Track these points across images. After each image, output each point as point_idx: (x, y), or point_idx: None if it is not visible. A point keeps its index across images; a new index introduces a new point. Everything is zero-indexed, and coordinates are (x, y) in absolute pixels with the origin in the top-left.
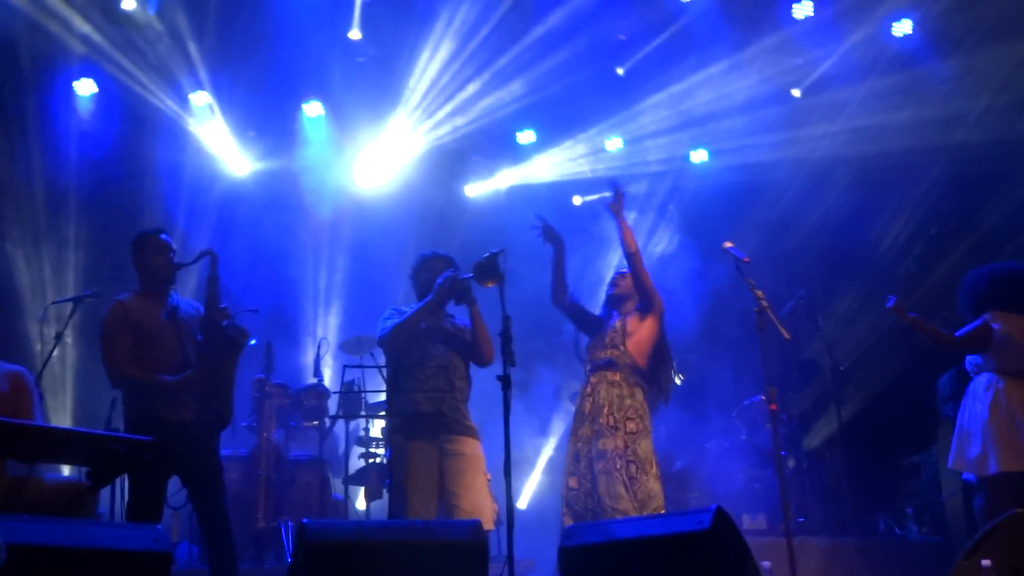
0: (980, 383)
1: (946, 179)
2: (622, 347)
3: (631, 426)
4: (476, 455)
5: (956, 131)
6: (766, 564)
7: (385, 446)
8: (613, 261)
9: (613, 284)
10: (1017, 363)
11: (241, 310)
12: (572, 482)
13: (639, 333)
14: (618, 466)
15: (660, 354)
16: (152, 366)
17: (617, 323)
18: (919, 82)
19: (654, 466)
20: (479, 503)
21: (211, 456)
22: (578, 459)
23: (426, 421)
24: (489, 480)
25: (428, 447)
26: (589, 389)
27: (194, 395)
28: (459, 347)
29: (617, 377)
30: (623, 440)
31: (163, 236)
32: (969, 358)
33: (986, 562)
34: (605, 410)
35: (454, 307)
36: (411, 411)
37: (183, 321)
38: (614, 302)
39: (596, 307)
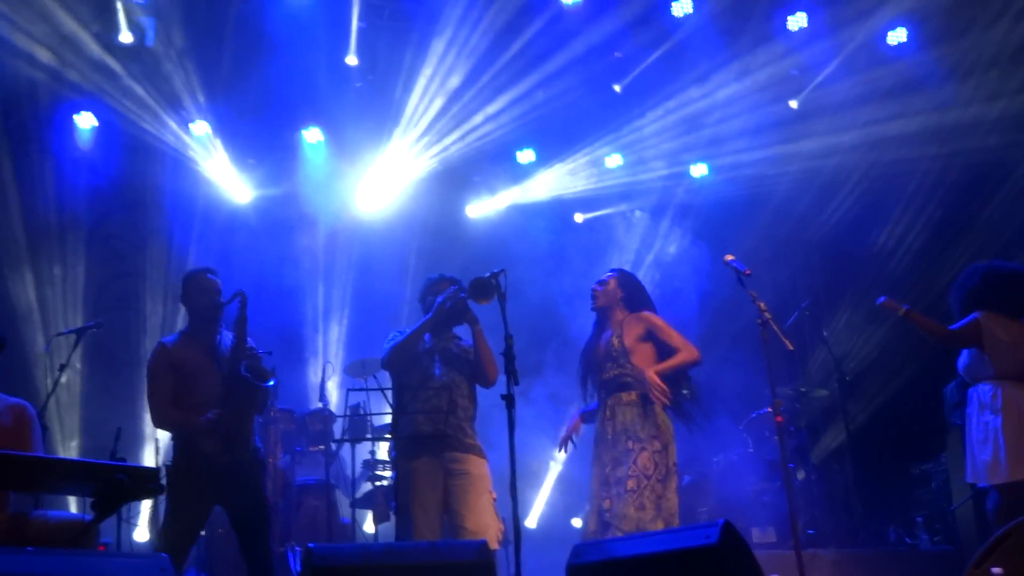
0: (985, 391)
1: (946, 184)
2: (628, 364)
3: (656, 444)
4: (481, 474)
5: (954, 136)
6: None
7: (392, 468)
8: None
9: (592, 298)
10: (1013, 365)
11: (258, 351)
12: (606, 504)
13: (640, 349)
14: (644, 488)
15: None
16: (192, 404)
17: (614, 339)
18: (915, 89)
19: (675, 479)
20: (484, 523)
21: (254, 488)
22: (607, 483)
23: (429, 442)
24: (495, 499)
25: (432, 468)
26: (609, 413)
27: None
28: (463, 368)
29: (633, 396)
30: (651, 460)
31: (210, 276)
32: (962, 364)
33: (997, 570)
34: (627, 434)
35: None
36: (414, 432)
37: (226, 359)
38: (601, 315)
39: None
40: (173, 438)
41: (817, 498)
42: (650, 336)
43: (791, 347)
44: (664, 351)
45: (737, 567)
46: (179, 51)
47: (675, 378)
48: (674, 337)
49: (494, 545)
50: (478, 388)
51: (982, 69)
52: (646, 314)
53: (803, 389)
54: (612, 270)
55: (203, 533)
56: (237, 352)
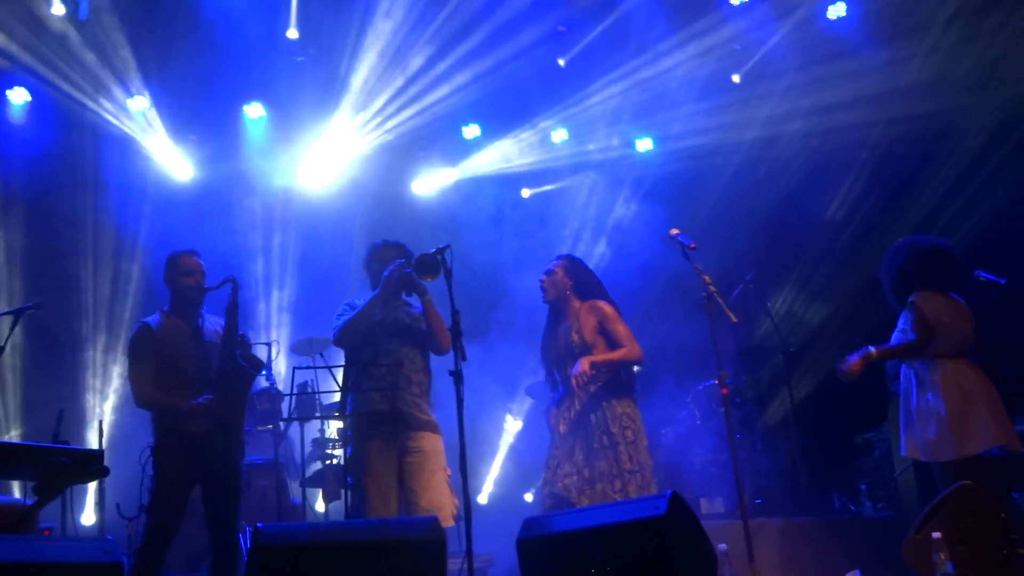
0: (924, 368)
1: (884, 155)
2: (590, 352)
3: (628, 435)
4: (435, 450)
5: (892, 108)
6: (722, 547)
7: (344, 446)
8: (563, 248)
9: (542, 290)
10: (951, 344)
11: (257, 342)
12: (584, 500)
13: (599, 342)
14: (629, 485)
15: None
16: (175, 385)
17: (574, 335)
18: (855, 62)
19: (651, 464)
20: (438, 500)
21: (234, 469)
22: (583, 476)
23: (383, 419)
24: (449, 475)
25: (386, 445)
26: (579, 405)
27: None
28: (415, 339)
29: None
30: (626, 453)
31: (196, 258)
32: (896, 341)
33: (936, 534)
34: (600, 429)
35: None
36: (368, 410)
37: (208, 341)
38: (554, 307)
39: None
40: (155, 418)
41: (764, 468)
42: (602, 328)
43: (735, 319)
44: (612, 343)
45: (685, 537)
46: (114, 24)
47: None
48: (621, 331)
49: (449, 522)
50: (433, 358)
51: (918, 39)
52: (599, 304)
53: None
54: (558, 257)
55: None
56: (230, 339)
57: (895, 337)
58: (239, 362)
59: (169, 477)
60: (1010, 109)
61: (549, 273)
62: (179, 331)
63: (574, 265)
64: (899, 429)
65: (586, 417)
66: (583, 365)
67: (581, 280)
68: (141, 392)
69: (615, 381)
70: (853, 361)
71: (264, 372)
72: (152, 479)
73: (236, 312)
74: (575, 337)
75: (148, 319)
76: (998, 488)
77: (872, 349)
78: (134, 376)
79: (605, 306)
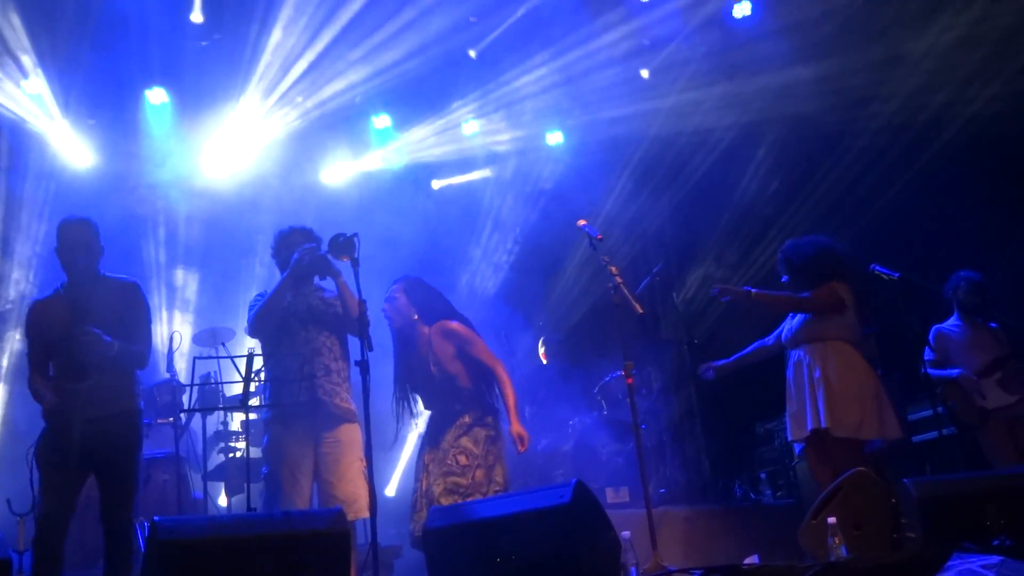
0: (841, 350)
1: (785, 152)
2: (457, 387)
3: (490, 459)
4: (352, 440)
5: (793, 99)
6: (626, 534)
7: (249, 436)
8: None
9: (386, 318)
10: (856, 333)
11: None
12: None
13: (457, 368)
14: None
15: (479, 372)
16: (64, 368)
17: (432, 367)
18: (758, 60)
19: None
20: (353, 490)
21: (119, 454)
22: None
23: (300, 409)
24: (366, 466)
25: (303, 435)
26: (437, 430)
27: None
28: (331, 325)
29: (467, 419)
30: (483, 474)
31: (85, 228)
32: (794, 327)
33: (831, 519)
34: (456, 449)
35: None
36: (285, 400)
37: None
38: (400, 334)
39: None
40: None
41: (669, 458)
42: (460, 352)
43: (640, 311)
44: (472, 364)
45: (589, 524)
46: (4, 3)
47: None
48: (483, 353)
49: (364, 513)
50: (350, 344)
51: (819, 43)
52: (451, 326)
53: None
54: (396, 281)
55: None
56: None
57: (792, 326)
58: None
59: (49, 465)
60: (901, 110)
61: (390, 300)
62: (66, 310)
63: (414, 287)
64: (802, 408)
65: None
66: (519, 435)
67: (424, 302)
68: (29, 374)
69: (474, 402)
70: (733, 288)
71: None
72: (38, 474)
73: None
74: (434, 369)
75: (39, 296)
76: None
77: (753, 290)
78: (28, 360)
79: (458, 327)
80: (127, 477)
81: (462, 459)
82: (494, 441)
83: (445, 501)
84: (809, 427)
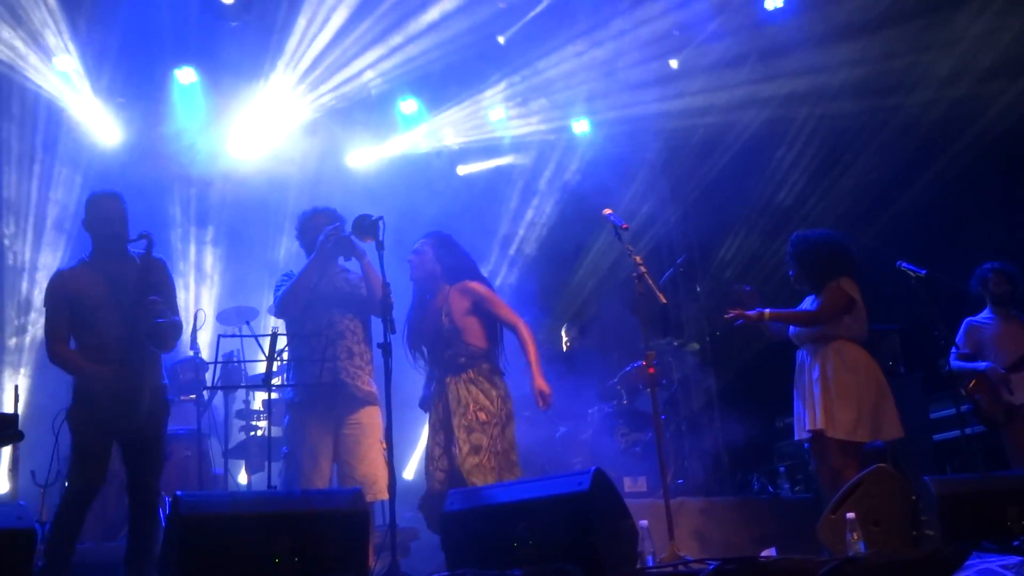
0: (844, 351)
1: (812, 138)
2: (461, 344)
3: (500, 418)
4: (372, 423)
5: (822, 93)
6: (644, 523)
7: (271, 415)
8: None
9: (411, 266)
10: (862, 329)
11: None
12: (440, 477)
13: (469, 325)
14: (488, 463)
15: (492, 333)
16: (90, 343)
17: (444, 318)
18: (788, 52)
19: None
20: (373, 472)
21: (149, 428)
22: (440, 460)
23: (323, 391)
24: (385, 448)
25: (324, 417)
26: (440, 389)
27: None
28: (356, 307)
29: (471, 375)
30: (488, 434)
31: (113, 202)
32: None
33: (850, 515)
34: (463, 409)
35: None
36: (308, 382)
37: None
38: (420, 286)
39: None
40: (74, 381)
41: (687, 449)
42: (477, 309)
43: (664, 301)
44: (491, 323)
45: (607, 512)
46: None
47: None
48: (502, 309)
49: (384, 495)
50: (374, 327)
51: (850, 38)
52: (471, 284)
53: (676, 343)
54: (426, 235)
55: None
56: (142, 301)
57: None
58: (142, 338)
59: (83, 441)
60: (929, 105)
61: (417, 252)
62: (97, 281)
63: (443, 243)
64: (801, 409)
65: (450, 404)
66: (542, 389)
67: (451, 259)
68: (50, 347)
69: (485, 360)
70: (747, 313)
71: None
72: (70, 444)
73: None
74: (445, 321)
75: (63, 267)
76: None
77: (767, 311)
78: (46, 328)
79: (478, 287)
80: (156, 449)
81: (482, 416)
82: (505, 401)
83: (471, 460)
84: (807, 427)
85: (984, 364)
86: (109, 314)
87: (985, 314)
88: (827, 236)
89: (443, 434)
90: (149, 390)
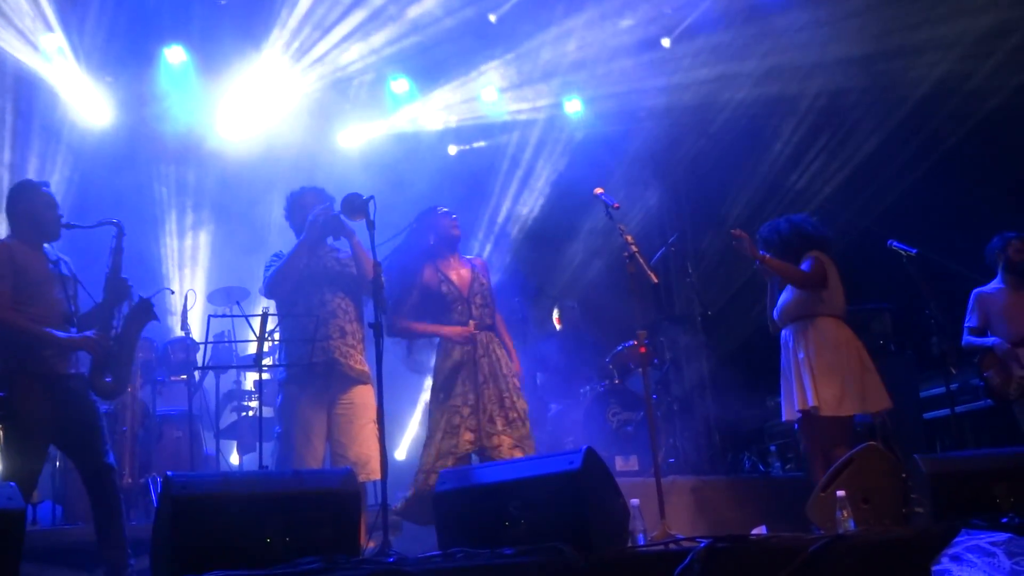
0: (827, 327)
1: (805, 118)
2: (493, 309)
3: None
4: (366, 403)
5: (818, 73)
6: (635, 502)
7: (262, 395)
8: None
9: (457, 227)
10: (841, 306)
11: (159, 289)
12: (496, 441)
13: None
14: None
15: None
16: (36, 316)
17: (483, 280)
18: (780, 30)
19: None
20: (366, 452)
21: (90, 409)
22: (493, 420)
23: (316, 371)
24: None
25: (317, 397)
26: (483, 350)
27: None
28: (346, 286)
29: (496, 339)
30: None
31: (49, 190)
32: (785, 302)
33: (841, 493)
34: (503, 372)
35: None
36: (300, 361)
37: (68, 277)
38: (453, 245)
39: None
40: (16, 355)
41: (679, 429)
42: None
43: (656, 280)
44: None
45: (599, 491)
46: None
47: None
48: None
49: (377, 475)
50: (366, 306)
51: (847, 16)
52: (478, 262)
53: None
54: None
55: (58, 464)
56: (116, 281)
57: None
58: (140, 303)
59: (22, 423)
60: (929, 89)
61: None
62: (38, 260)
63: None
64: (789, 390)
65: (491, 364)
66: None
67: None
68: (9, 319)
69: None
70: (749, 244)
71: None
72: (5, 427)
73: (121, 255)
74: (484, 283)
75: (4, 238)
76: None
77: (767, 254)
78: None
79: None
80: (95, 421)
81: (515, 381)
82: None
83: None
84: (796, 408)
85: (992, 340)
86: (47, 296)
87: (995, 283)
88: (790, 218)
89: (475, 396)
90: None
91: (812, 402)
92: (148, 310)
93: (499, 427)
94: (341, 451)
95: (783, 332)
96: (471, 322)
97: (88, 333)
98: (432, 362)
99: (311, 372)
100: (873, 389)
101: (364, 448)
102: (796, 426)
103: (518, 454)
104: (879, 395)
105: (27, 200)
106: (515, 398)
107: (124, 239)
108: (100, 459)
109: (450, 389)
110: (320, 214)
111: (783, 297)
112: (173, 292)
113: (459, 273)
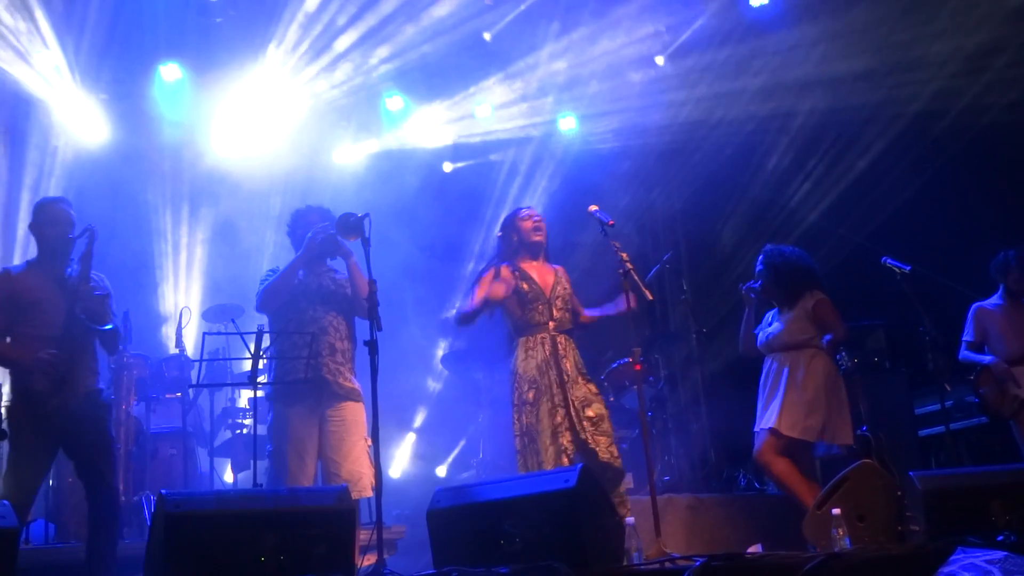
0: (816, 360)
1: (797, 138)
2: (570, 310)
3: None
4: (356, 420)
5: (810, 92)
6: (630, 520)
7: (256, 413)
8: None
9: (540, 230)
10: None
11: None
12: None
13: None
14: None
15: None
16: (33, 336)
17: (567, 284)
18: (775, 48)
19: None
20: (357, 470)
21: (94, 431)
22: (574, 427)
23: (306, 388)
24: (370, 445)
25: (308, 412)
26: (563, 351)
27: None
28: (340, 305)
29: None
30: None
31: (63, 206)
32: (766, 332)
33: (836, 510)
34: (583, 376)
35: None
36: (291, 378)
37: (85, 290)
38: (537, 250)
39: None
40: (10, 376)
41: (674, 446)
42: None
43: (651, 297)
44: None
45: (594, 509)
46: None
47: None
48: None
49: (368, 492)
50: (356, 326)
51: (838, 36)
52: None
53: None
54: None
55: (51, 483)
56: (78, 288)
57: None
58: (78, 315)
59: (18, 443)
60: (921, 108)
61: (541, 219)
62: (43, 281)
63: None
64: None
65: (572, 366)
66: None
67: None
68: None
69: None
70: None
71: (112, 327)
72: (8, 446)
73: (90, 261)
74: (568, 287)
75: (10, 266)
76: None
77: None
78: None
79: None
80: (103, 440)
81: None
82: None
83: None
84: (768, 424)
85: (989, 358)
86: (49, 310)
87: (995, 299)
88: (800, 253)
89: (563, 395)
90: (84, 378)
91: (776, 423)
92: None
93: (588, 428)
94: (334, 468)
95: (768, 360)
96: (551, 323)
97: (41, 353)
98: (513, 360)
99: (300, 389)
100: (840, 425)
101: (356, 465)
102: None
103: (615, 451)
104: (844, 431)
105: (36, 219)
106: (596, 400)
107: (96, 244)
108: (100, 479)
109: (540, 388)
110: (319, 232)
111: (774, 325)
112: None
113: (542, 274)
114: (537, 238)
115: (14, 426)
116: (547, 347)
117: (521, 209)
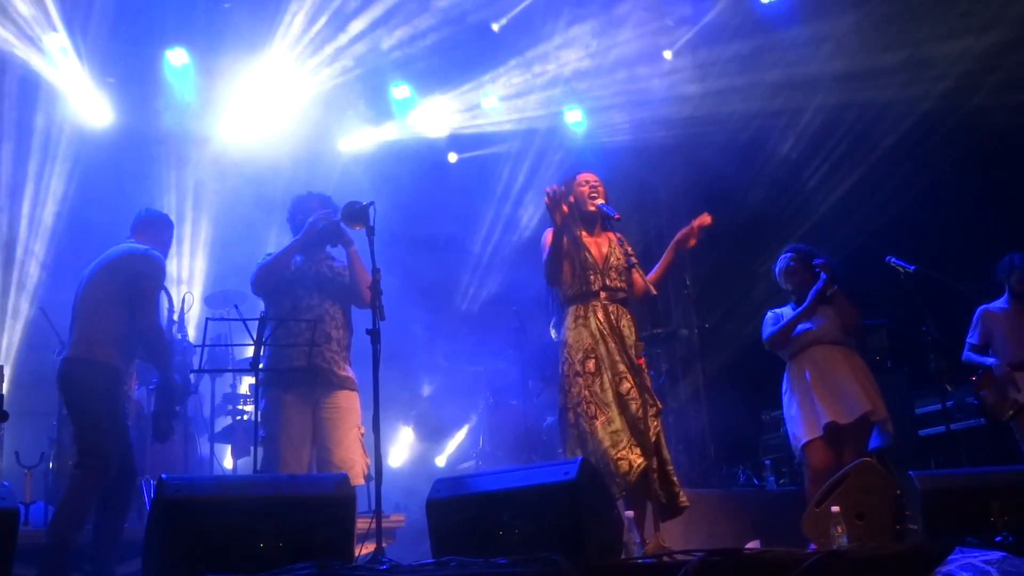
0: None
1: (804, 133)
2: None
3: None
4: (350, 408)
5: (818, 89)
6: (629, 514)
7: (258, 399)
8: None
9: (597, 193)
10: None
11: None
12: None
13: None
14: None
15: None
16: None
17: (621, 254)
18: (783, 46)
19: None
20: (350, 457)
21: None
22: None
23: (300, 375)
24: (363, 434)
25: (302, 401)
26: (615, 319)
27: None
28: (337, 293)
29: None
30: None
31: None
32: (776, 329)
33: (835, 508)
34: (632, 348)
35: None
36: (285, 365)
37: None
38: (591, 217)
39: None
40: None
41: (673, 441)
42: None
43: (655, 291)
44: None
45: (593, 501)
46: None
47: None
48: None
49: (359, 481)
50: (353, 314)
51: (847, 33)
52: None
53: (658, 331)
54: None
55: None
56: None
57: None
58: None
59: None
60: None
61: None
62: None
63: None
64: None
65: (624, 336)
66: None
67: None
68: (159, 325)
69: None
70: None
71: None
72: None
73: None
74: (622, 257)
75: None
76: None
77: (837, 287)
78: (155, 310)
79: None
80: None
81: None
82: None
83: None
84: (860, 411)
85: (991, 360)
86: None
87: (1001, 302)
88: (800, 246)
89: (627, 361)
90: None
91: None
92: None
93: (649, 401)
94: (326, 455)
95: (820, 349)
96: (602, 292)
97: None
98: (563, 330)
99: (294, 376)
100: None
101: (348, 453)
102: (799, 443)
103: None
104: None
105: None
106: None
107: None
108: (127, 461)
109: (602, 356)
110: (320, 218)
111: (816, 320)
112: None
113: (598, 244)
114: (592, 209)
115: None
116: (600, 315)
117: (579, 173)
